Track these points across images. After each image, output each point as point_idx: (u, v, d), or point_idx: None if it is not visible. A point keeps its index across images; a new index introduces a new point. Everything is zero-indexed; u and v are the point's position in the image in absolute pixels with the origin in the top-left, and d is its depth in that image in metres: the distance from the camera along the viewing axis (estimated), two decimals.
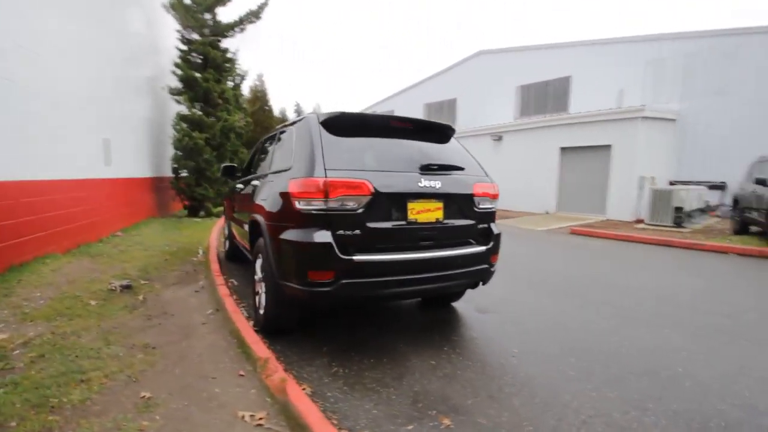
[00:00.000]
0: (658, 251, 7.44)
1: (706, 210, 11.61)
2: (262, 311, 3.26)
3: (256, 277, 3.49)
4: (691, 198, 10.28)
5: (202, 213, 10.44)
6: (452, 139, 3.51)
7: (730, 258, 6.69)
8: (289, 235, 2.74)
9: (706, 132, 13.58)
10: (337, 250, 2.60)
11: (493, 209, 3.37)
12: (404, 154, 3.05)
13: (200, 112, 9.80)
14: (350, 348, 3.05)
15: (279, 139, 3.74)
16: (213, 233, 7.92)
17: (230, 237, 5.80)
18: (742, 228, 8.61)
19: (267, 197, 3.15)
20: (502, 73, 19.04)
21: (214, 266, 5.13)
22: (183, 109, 9.85)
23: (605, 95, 15.69)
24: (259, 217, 3.22)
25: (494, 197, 3.34)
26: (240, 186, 4.76)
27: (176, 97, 9.82)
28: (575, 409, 2.30)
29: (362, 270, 2.66)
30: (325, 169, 2.67)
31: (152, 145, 9.78)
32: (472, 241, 3.22)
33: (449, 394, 2.43)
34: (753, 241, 7.61)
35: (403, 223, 2.83)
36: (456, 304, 4.16)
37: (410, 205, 2.85)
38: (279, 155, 3.57)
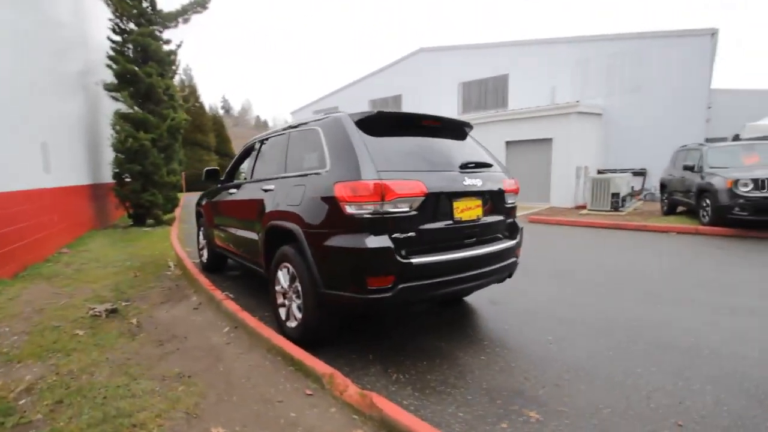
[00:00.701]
0: (614, 234, 8.24)
1: (633, 194, 13.07)
2: (293, 323, 3.08)
3: (278, 288, 3.28)
4: (623, 184, 11.50)
5: (150, 221, 9.50)
6: (468, 136, 3.57)
7: (673, 236, 7.62)
8: (340, 241, 2.61)
9: (625, 125, 15.25)
10: (396, 254, 2.53)
11: (515, 204, 3.50)
12: (441, 152, 3.05)
13: (143, 111, 8.84)
14: (395, 353, 2.99)
15: (290, 141, 3.52)
16: (175, 243, 7.25)
17: (210, 246, 5.36)
18: (670, 209, 9.84)
19: (299, 202, 2.96)
20: (444, 70, 19.67)
21: (202, 279, 4.72)
22: (122, 107, 8.83)
23: (539, 92, 16.92)
24: (289, 224, 3.02)
25: (517, 192, 3.46)
26: (233, 191, 4.41)
27: (113, 94, 8.77)
28: (633, 386, 2.49)
29: (419, 272, 2.62)
30: (377, 171, 2.58)
31: (87, 147, 8.65)
32: (501, 236, 3.32)
33: (518, 388, 2.49)
34: (685, 220, 8.74)
35: (451, 222, 2.84)
36: (468, 298, 4.26)
37: (455, 204, 2.86)
38: (296, 157, 3.37)
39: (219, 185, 4.99)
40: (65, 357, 2.82)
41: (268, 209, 3.41)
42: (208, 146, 28.34)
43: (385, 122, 2.97)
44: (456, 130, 3.43)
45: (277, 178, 3.48)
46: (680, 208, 9.68)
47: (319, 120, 3.21)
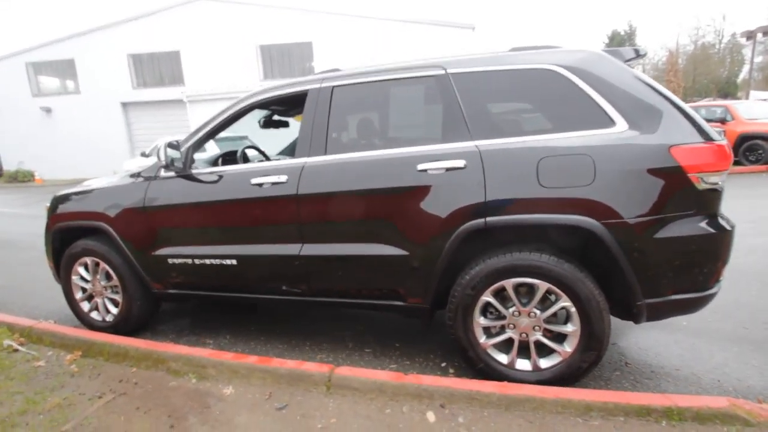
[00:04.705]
0: None
1: None
2: (547, 362, 2.11)
3: (483, 321, 2.15)
4: None
5: None
6: None
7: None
8: (690, 228, 1.90)
9: None
10: None
11: None
12: None
13: None
14: (654, 356, 2.49)
15: (457, 87, 2.19)
16: None
17: (139, 290, 2.91)
18: None
19: (589, 181, 1.89)
20: (239, 28, 17.00)
21: (193, 351, 2.54)
22: None
23: (344, 62, 17.11)
24: (564, 218, 1.92)
25: None
26: (259, 180, 2.43)
27: None
28: None
29: None
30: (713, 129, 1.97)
31: None
32: None
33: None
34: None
35: None
36: None
37: None
38: (487, 113, 2.18)
39: (178, 172, 2.69)
40: None
41: (464, 201, 2.05)
42: None
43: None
44: None
45: (461, 149, 2.10)
46: None
47: (542, 57, 2.11)
